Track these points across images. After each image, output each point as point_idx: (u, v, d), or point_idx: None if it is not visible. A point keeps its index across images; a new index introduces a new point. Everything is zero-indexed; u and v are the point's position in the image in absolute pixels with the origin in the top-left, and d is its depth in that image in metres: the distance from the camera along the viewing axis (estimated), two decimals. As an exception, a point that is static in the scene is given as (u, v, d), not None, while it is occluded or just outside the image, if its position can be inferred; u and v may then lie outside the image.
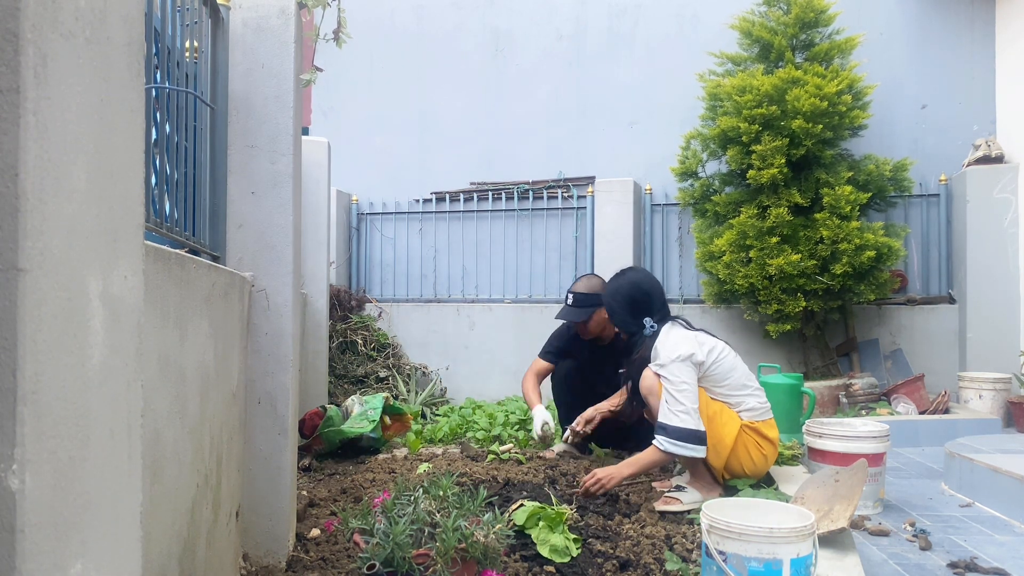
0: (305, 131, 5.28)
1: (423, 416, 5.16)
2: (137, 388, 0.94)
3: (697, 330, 2.91)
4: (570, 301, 3.50)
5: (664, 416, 2.62)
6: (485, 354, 5.96)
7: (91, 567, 0.82)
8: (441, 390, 5.92)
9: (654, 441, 2.62)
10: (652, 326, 2.85)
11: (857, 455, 2.85)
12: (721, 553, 1.71)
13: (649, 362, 2.79)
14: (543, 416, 3.53)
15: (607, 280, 3.10)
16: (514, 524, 2.18)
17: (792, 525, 1.72)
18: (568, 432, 3.39)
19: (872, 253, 4.76)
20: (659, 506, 2.63)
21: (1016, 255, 5.11)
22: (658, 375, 2.71)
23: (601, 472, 2.66)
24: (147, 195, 1.71)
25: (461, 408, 5.09)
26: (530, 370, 3.76)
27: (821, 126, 4.83)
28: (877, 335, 5.43)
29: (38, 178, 0.72)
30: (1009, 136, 5.34)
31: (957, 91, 5.65)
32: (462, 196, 6.41)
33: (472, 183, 6.47)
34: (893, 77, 5.66)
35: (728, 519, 1.74)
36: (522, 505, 2.39)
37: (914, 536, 2.69)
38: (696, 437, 2.58)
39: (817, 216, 4.86)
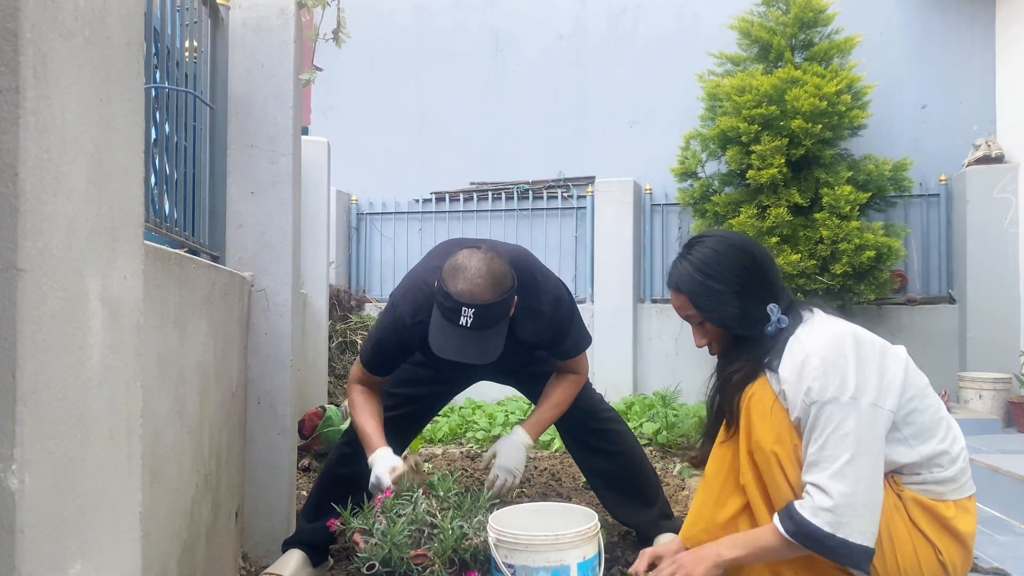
0: (305, 131, 5.28)
1: (423, 416, 5.15)
2: (137, 388, 0.94)
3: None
4: (468, 321, 1.82)
5: (807, 499, 1.49)
6: (485, 354, 5.94)
7: (91, 567, 0.82)
8: (441, 390, 5.91)
9: (777, 522, 1.53)
10: (779, 317, 1.65)
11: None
12: (509, 567, 1.69)
13: (756, 374, 1.65)
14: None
15: (680, 254, 1.78)
16: None
17: (577, 529, 1.70)
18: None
19: (872, 253, 4.76)
20: None
21: (1016, 255, 5.11)
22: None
23: (689, 560, 1.63)
24: (147, 195, 1.72)
25: (461, 408, 5.08)
26: (356, 383, 2.23)
27: (820, 126, 4.82)
28: (877, 335, 5.42)
29: (37, 178, 0.72)
30: (1009, 136, 5.34)
31: (957, 91, 5.64)
32: (462, 196, 6.41)
33: (472, 183, 6.46)
34: (893, 77, 5.65)
35: (515, 531, 1.71)
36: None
37: (914, 536, 2.69)
38: (858, 554, 1.46)
39: (817, 216, 4.86)
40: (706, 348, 1.77)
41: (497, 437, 4.20)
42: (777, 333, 1.64)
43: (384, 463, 2.00)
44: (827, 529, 1.44)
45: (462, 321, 1.81)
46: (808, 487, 1.49)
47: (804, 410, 1.53)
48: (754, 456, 1.59)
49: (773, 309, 1.65)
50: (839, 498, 1.44)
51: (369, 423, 2.12)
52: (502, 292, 1.84)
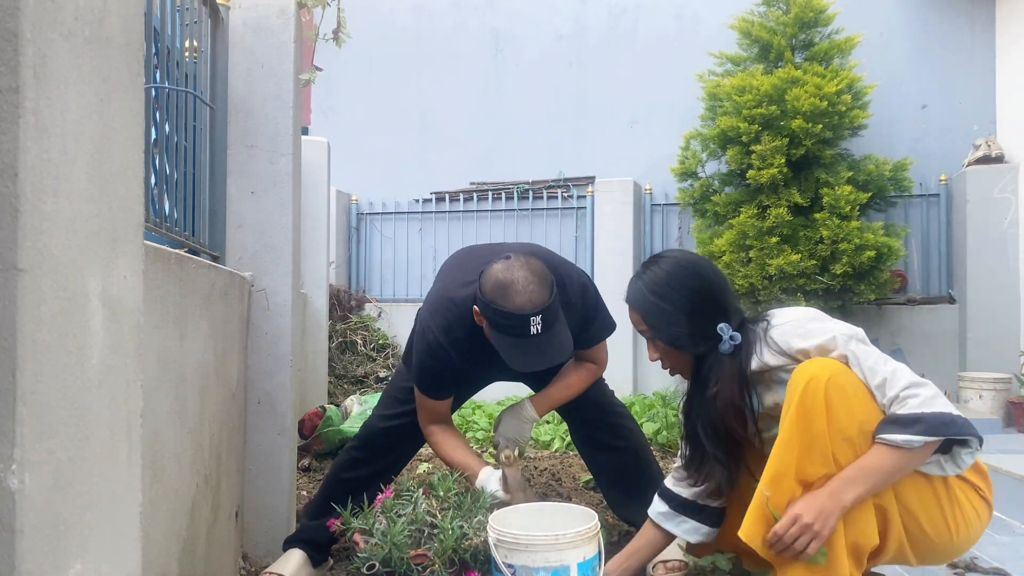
0: (305, 131, 5.29)
1: (423, 416, 5.14)
2: (137, 388, 0.94)
3: None
4: (539, 327, 1.84)
5: (912, 399, 1.51)
6: (485, 354, 5.94)
7: (91, 567, 0.82)
8: (441, 390, 5.91)
9: (889, 437, 1.50)
10: (732, 336, 1.71)
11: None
12: (509, 567, 1.69)
13: (736, 400, 1.69)
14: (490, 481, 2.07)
15: (634, 277, 1.85)
16: None
17: (577, 529, 1.70)
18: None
19: (872, 253, 4.76)
20: None
21: (1016, 255, 5.11)
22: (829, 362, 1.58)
23: (810, 514, 1.49)
24: (147, 195, 1.72)
25: (461, 408, 5.08)
26: (430, 425, 2.22)
27: (821, 126, 4.82)
28: (877, 335, 5.43)
29: (37, 178, 0.72)
30: (1009, 136, 5.34)
31: (957, 91, 5.64)
32: (462, 196, 6.41)
33: (472, 183, 6.46)
34: (893, 77, 5.65)
35: (515, 531, 1.71)
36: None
37: (914, 536, 2.68)
38: (968, 423, 1.52)
39: (817, 216, 4.86)
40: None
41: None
42: (732, 351, 1.71)
43: (492, 480, 2.05)
44: (948, 411, 1.50)
45: (533, 330, 1.84)
46: (900, 394, 1.52)
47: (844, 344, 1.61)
48: (835, 444, 1.53)
49: (724, 329, 1.71)
50: (931, 389, 1.53)
51: (457, 453, 2.14)
52: (551, 286, 1.89)
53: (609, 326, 2.25)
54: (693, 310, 1.73)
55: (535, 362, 1.90)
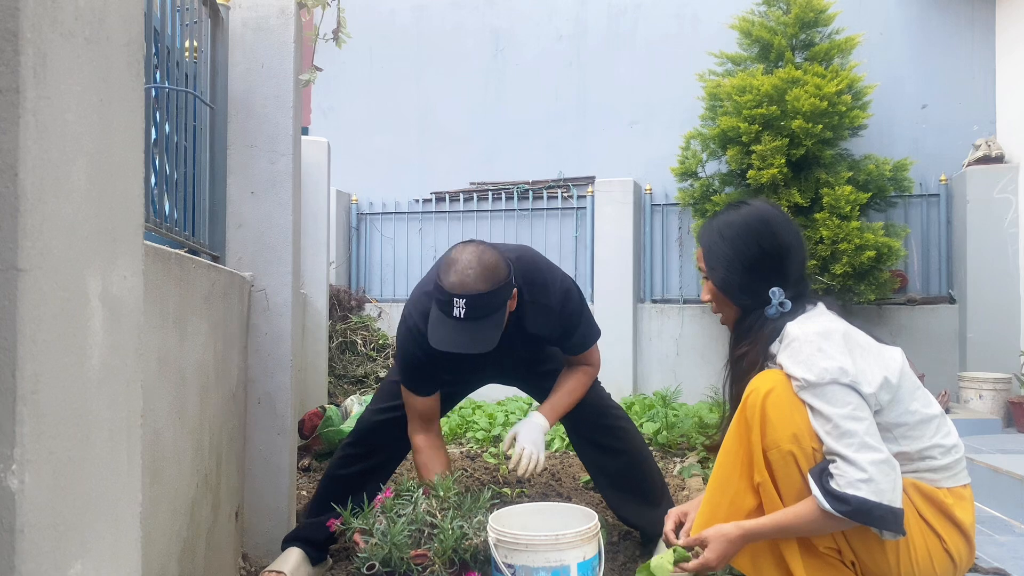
0: (305, 131, 5.29)
1: (423, 416, 5.13)
2: (137, 388, 0.94)
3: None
4: (461, 312, 1.85)
5: (840, 478, 1.47)
6: (485, 354, 5.93)
7: (91, 567, 0.82)
8: (441, 390, 5.90)
9: (825, 503, 1.47)
10: (782, 302, 1.69)
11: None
12: (509, 567, 1.69)
13: (760, 366, 1.69)
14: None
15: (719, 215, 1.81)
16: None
17: (577, 529, 1.70)
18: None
19: (872, 253, 4.76)
20: None
21: (1016, 255, 5.11)
22: (804, 401, 1.55)
23: (713, 549, 1.56)
24: (147, 195, 1.72)
25: (461, 408, 5.08)
26: (417, 435, 2.21)
27: (821, 126, 4.82)
28: (877, 335, 5.41)
29: (38, 178, 0.72)
30: (1009, 136, 5.34)
31: (957, 91, 5.64)
32: (462, 196, 6.41)
33: (472, 183, 6.46)
34: (893, 77, 5.65)
35: (515, 531, 1.71)
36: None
37: (914, 536, 2.68)
38: (901, 516, 1.47)
39: (817, 216, 4.86)
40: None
41: (497, 437, 4.20)
42: (779, 316, 1.68)
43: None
44: (874, 499, 1.44)
45: (455, 312, 1.84)
46: (839, 462, 1.48)
47: (800, 390, 1.55)
48: (768, 455, 1.57)
49: (775, 293, 1.69)
50: (871, 467, 1.45)
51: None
52: (494, 282, 1.87)
53: (595, 332, 2.28)
54: (753, 264, 1.71)
55: (447, 343, 1.88)
